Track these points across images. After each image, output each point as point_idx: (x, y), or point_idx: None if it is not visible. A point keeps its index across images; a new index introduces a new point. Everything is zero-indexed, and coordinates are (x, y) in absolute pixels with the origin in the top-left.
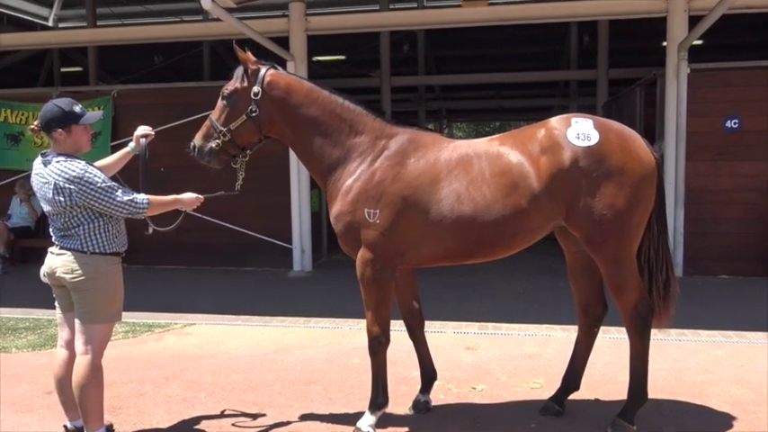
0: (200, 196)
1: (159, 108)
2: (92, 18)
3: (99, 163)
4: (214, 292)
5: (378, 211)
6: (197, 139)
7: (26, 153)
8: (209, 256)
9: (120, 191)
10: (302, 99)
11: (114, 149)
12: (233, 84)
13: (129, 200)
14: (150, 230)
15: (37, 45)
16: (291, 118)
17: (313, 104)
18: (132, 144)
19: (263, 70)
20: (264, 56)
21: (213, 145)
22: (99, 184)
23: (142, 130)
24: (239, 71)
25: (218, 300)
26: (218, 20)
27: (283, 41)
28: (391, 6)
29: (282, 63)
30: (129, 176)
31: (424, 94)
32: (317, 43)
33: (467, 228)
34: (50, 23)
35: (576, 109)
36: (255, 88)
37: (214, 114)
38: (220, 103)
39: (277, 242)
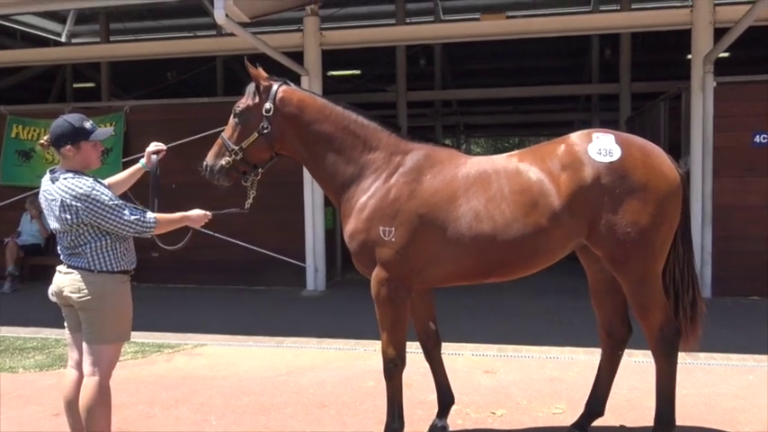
0: (207, 213)
1: (172, 124)
2: (105, 34)
3: (109, 180)
4: (225, 311)
5: (393, 228)
6: (209, 158)
7: (37, 169)
8: (221, 274)
9: (127, 209)
10: (315, 115)
11: (126, 165)
12: (245, 101)
13: (136, 219)
14: (156, 253)
15: (50, 61)
16: (304, 134)
17: (326, 121)
18: (143, 161)
19: (275, 86)
20: (278, 71)
21: (224, 162)
22: (106, 202)
23: (154, 146)
24: (251, 88)
25: (230, 319)
26: (231, 34)
27: (298, 56)
28: (407, 20)
29: (297, 78)
30: (140, 193)
31: (440, 109)
32: (332, 58)
33: (485, 246)
34: (63, 39)
35: (598, 124)
36: (267, 104)
37: (226, 132)
38: (232, 120)
39: (290, 260)
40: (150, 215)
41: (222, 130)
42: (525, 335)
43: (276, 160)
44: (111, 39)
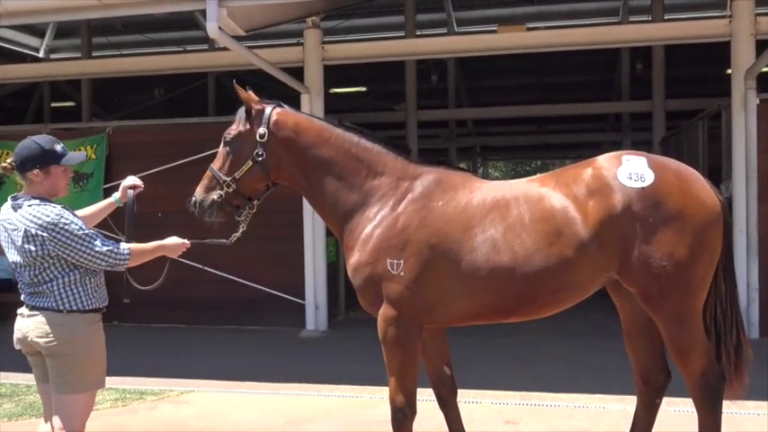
0: (185, 241)
1: (159, 146)
2: (87, 48)
3: (81, 212)
4: (215, 354)
5: (402, 261)
6: (198, 193)
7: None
8: (210, 312)
9: (99, 240)
10: (313, 139)
11: (108, 193)
12: (236, 127)
13: (108, 250)
14: (127, 299)
15: (26, 78)
16: (302, 160)
17: (325, 144)
18: (117, 195)
19: (268, 109)
20: (276, 88)
21: (215, 197)
22: (75, 232)
23: (131, 180)
24: (241, 113)
25: (220, 363)
26: (225, 49)
27: (298, 72)
28: (418, 32)
29: (297, 96)
30: (121, 222)
31: (455, 130)
32: (336, 74)
33: (504, 281)
34: (41, 54)
35: (629, 145)
36: (261, 129)
37: (216, 163)
38: (222, 150)
39: (288, 297)
40: (124, 246)
41: (212, 164)
42: (550, 381)
43: (272, 191)
44: (94, 54)
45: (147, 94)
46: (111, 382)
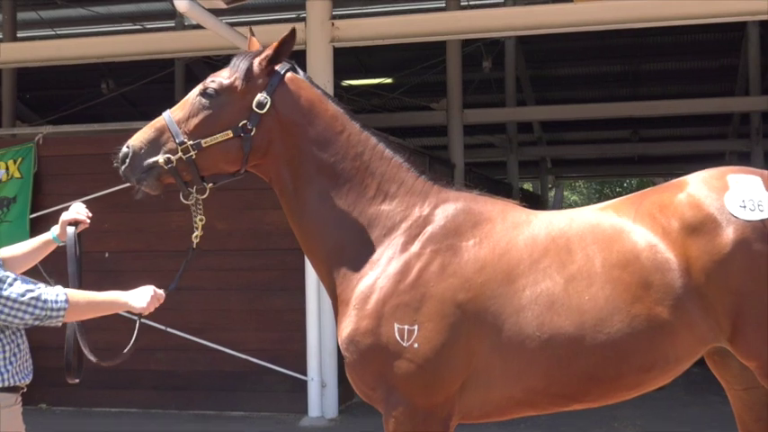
0: (159, 291)
1: (106, 160)
2: (9, 26)
3: (4, 252)
4: None
5: (416, 327)
6: (135, 143)
7: None
8: (177, 392)
9: (17, 282)
10: (321, 130)
11: (35, 225)
12: (228, 77)
13: (32, 298)
14: (76, 379)
15: None
16: (297, 155)
17: (333, 141)
18: (56, 230)
19: (279, 71)
20: None
21: (161, 159)
22: None
23: (73, 212)
24: (241, 62)
25: None
26: (198, 27)
27: (298, 57)
28: (463, 2)
29: None
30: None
31: (515, 136)
32: (350, 60)
33: (567, 356)
34: None
35: (760, 158)
36: (261, 96)
37: (176, 112)
38: (195, 99)
39: (283, 371)
40: (59, 291)
41: (169, 111)
42: None
43: (238, 179)
44: (19, 35)
45: (91, 89)
46: None
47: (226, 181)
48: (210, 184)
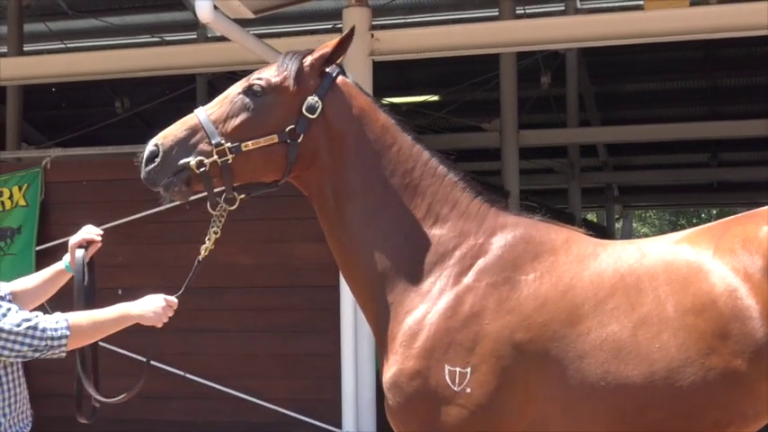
0: (170, 298)
1: (119, 187)
2: (16, 41)
3: (14, 285)
4: None
5: (468, 370)
6: (165, 140)
7: None
8: None
9: (11, 311)
10: (370, 141)
11: (42, 258)
12: (276, 74)
13: (28, 327)
14: (90, 419)
15: None
16: (342, 168)
17: (382, 155)
18: (67, 259)
19: (331, 73)
20: None
21: (193, 161)
22: None
23: (83, 234)
24: (290, 60)
25: None
26: (222, 39)
27: None
28: (518, 11)
29: None
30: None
31: (578, 161)
32: (391, 75)
33: (633, 408)
34: None
35: None
36: (312, 99)
37: (214, 111)
38: (236, 97)
39: (316, 423)
40: (59, 318)
41: (203, 108)
42: None
43: (274, 190)
44: (26, 48)
45: (103, 108)
46: None
47: (259, 192)
48: (241, 196)
